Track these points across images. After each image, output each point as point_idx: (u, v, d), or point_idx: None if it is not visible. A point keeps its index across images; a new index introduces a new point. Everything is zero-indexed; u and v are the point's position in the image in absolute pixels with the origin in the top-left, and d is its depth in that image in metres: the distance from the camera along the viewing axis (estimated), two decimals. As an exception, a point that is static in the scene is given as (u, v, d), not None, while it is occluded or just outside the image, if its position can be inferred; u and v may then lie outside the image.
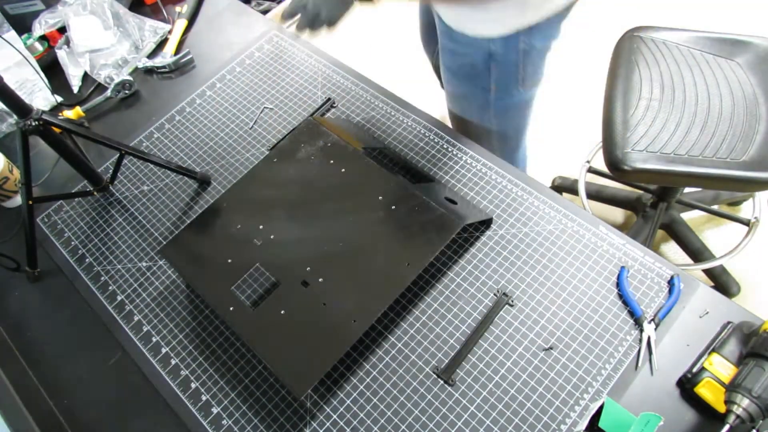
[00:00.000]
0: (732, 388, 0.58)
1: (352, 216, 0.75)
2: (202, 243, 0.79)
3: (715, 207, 1.59)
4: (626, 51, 1.26)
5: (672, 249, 1.63)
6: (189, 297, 0.81)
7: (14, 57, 1.02)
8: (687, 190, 1.58)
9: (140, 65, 1.10)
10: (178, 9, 1.18)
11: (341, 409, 0.69)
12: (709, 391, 0.62)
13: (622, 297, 0.71)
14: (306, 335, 0.68)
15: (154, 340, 0.78)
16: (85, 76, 1.12)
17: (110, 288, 0.84)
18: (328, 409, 0.69)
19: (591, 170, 1.65)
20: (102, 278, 0.85)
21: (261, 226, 0.77)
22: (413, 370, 0.70)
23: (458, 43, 0.88)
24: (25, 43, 1.11)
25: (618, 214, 1.73)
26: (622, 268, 0.73)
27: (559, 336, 0.70)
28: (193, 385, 0.74)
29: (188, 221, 0.85)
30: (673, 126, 1.15)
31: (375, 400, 0.69)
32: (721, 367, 0.62)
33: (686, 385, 0.64)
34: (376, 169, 0.78)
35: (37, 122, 0.77)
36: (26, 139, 0.79)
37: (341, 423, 0.68)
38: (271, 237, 0.76)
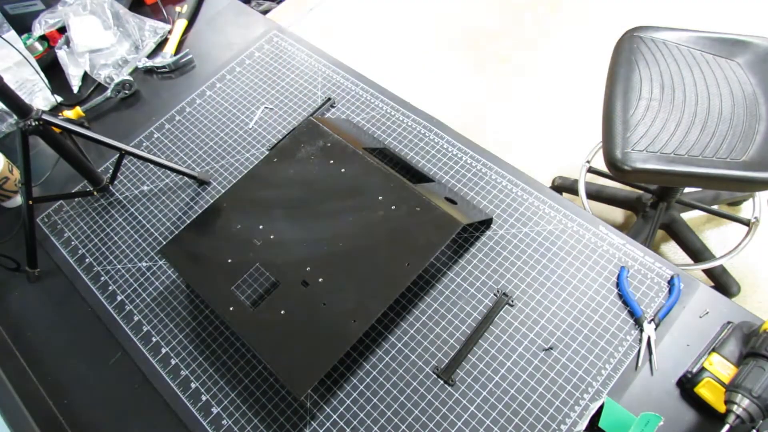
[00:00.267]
0: (732, 388, 0.58)
1: (352, 216, 0.75)
2: (202, 243, 0.79)
3: (715, 207, 1.59)
4: (626, 51, 1.26)
5: (672, 249, 1.63)
6: (189, 297, 0.81)
7: (14, 57, 1.02)
8: (687, 190, 1.58)
9: (140, 65, 1.10)
10: (178, 9, 1.18)
11: (341, 409, 0.69)
12: (709, 391, 0.62)
13: (622, 297, 0.71)
14: (306, 335, 0.68)
15: (154, 340, 0.78)
16: (85, 76, 1.12)
17: (110, 288, 0.84)
18: (328, 409, 0.69)
19: (591, 170, 1.65)
20: (102, 278, 0.85)
21: (261, 226, 0.77)
22: (413, 370, 0.70)
23: None
24: (25, 43, 1.11)
25: (618, 214, 1.73)
26: (622, 268, 0.73)
27: (559, 336, 0.70)
28: (193, 385, 0.74)
29: (188, 221, 0.85)
30: (673, 126, 1.15)
31: (375, 400, 0.69)
32: (721, 367, 0.62)
33: (686, 385, 0.64)
34: (376, 169, 0.78)
35: (37, 122, 0.77)
36: (26, 139, 0.79)
37: (341, 423, 0.68)
38: (271, 237, 0.76)
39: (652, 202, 1.52)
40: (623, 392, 0.65)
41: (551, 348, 0.69)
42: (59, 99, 1.07)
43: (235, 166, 0.93)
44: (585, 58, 1.83)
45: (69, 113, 1.03)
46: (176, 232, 0.86)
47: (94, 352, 0.80)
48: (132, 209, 0.92)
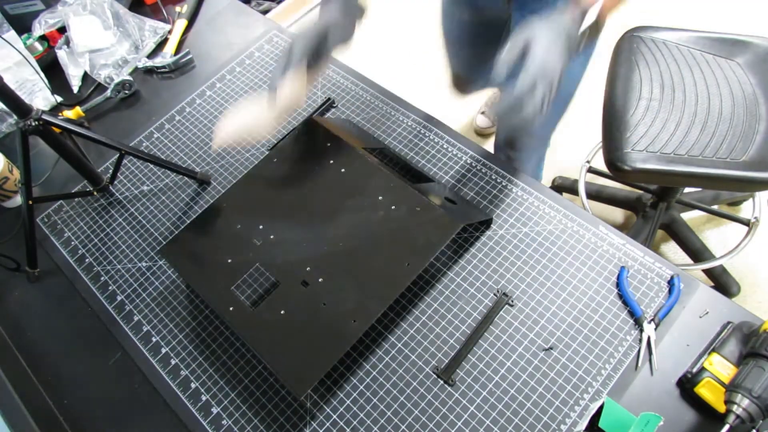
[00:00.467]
0: (732, 388, 0.58)
1: (352, 216, 0.75)
2: (202, 243, 0.79)
3: (715, 207, 1.59)
4: (626, 51, 1.26)
5: (672, 249, 1.63)
6: (189, 297, 0.81)
7: (14, 57, 1.02)
8: (687, 190, 1.58)
9: (140, 65, 1.10)
10: (178, 9, 1.18)
11: (341, 409, 0.69)
12: (709, 391, 0.62)
13: (622, 297, 0.71)
14: (306, 335, 0.68)
15: (154, 340, 0.78)
16: (85, 76, 1.12)
17: (110, 288, 0.84)
18: (328, 409, 0.69)
19: (591, 170, 1.65)
20: (102, 278, 0.85)
21: (261, 226, 0.77)
22: (413, 370, 0.70)
23: None
24: (25, 43, 1.11)
25: (618, 214, 1.73)
26: (622, 268, 0.73)
27: (559, 336, 0.70)
28: (193, 385, 0.74)
29: (188, 221, 0.85)
30: (673, 126, 1.15)
31: (375, 400, 0.69)
32: (721, 367, 0.62)
33: (686, 385, 0.64)
34: (376, 169, 0.78)
35: (37, 122, 0.77)
36: (26, 139, 0.79)
37: (341, 423, 0.68)
38: (271, 237, 0.76)
39: (652, 202, 1.52)
40: (623, 392, 0.65)
41: (551, 348, 0.69)
42: (59, 99, 1.07)
43: (235, 166, 0.93)
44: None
45: (69, 113, 1.03)
46: (176, 232, 0.86)
47: (94, 352, 0.80)
48: (132, 209, 0.92)
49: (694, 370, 0.64)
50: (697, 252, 1.51)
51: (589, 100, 1.84)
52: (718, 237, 1.63)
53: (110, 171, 0.92)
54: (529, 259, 0.76)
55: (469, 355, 0.70)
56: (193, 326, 0.78)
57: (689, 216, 1.63)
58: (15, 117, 0.77)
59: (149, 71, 1.10)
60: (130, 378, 0.76)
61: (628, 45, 1.26)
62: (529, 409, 0.66)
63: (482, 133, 1.81)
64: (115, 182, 0.94)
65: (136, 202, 0.92)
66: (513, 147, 1.12)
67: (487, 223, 0.80)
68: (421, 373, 0.70)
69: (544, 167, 1.42)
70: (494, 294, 0.74)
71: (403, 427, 0.67)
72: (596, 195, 1.65)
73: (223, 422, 0.70)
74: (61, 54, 1.11)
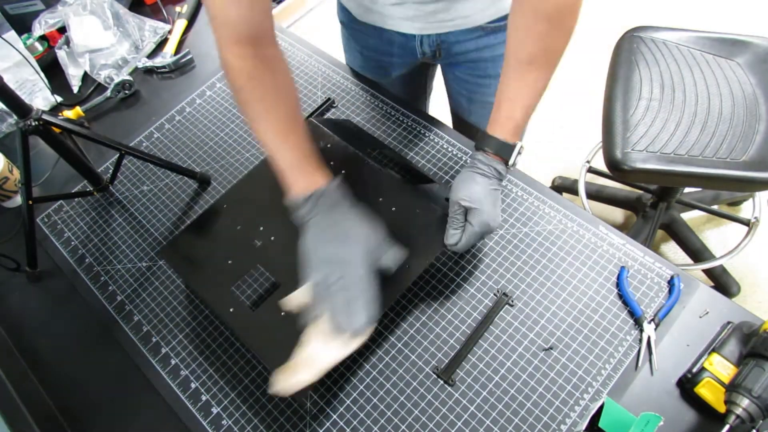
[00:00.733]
0: (732, 388, 0.58)
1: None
2: (202, 244, 0.79)
3: (715, 207, 1.59)
4: (626, 51, 1.26)
5: (672, 249, 1.63)
6: (189, 297, 0.81)
7: (14, 57, 1.02)
8: (687, 190, 1.58)
9: (140, 65, 1.10)
10: (178, 9, 1.18)
11: (341, 409, 0.69)
12: (709, 391, 0.62)
13: (622, 297, 0.71)
14: None
15: (154, 340, 0.78)
16: (85, 76, 1.12)
17: (110, 288, 0.84)
18: (328, 409, 0.69)
19: (591, 170, 1.65)
20: (102, 278, 0.85)
21: (261, 228, 0.77)
22: (413, 370, 0.70)
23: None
24: (25, 43, 1.11)
25: (618, 214, 1.73)
26: (622, 268, 0.73)
27: (559, 336, 0.70)
28: (193, 385, 0.74)
29: (188, 221, 0.85)
30: (673, 126, 1.15)
31: (375, 400, 0.69)
32: (721, 367, 0.62)
33: (686, 385, 0.64)
34: (376, 170, 0.78)
35: (37, 122, 0.77)
36: (26, 139, 0.79)
37: (341, 423, 0.68)
38: (272, 238, 0.76)
39: (652, 202, 1.53)
40: (623, 392, 0.65)
41: (551, 348, 0.69)
42: (59, 99, 1.07)
43: (235, 166, 0.93)
44: (585, 58, 1.83)
45: (69, 113, 1.03)
46: (176, 233, 0.85)
47: (94, 352, 0.80)
48: (132, 209, 0.92)
49: (694, 370, 0.64)
50: (697, 252, 1.51)
51: (589, 100, 1.84)
52: (718, 237, 1.63)
53: (110, 171, 0.92)
54: (529, 259, 0.76)
55: (469, 355, 0.70)
56: (193, 326, 0.78)
57: (689, 216, 1.63)
58: (15, 117, 0.77)
59: (149, 71, 1.10)
60: (130, 378, 0.76)
61: (628, 45, 1.26)
62: (529, 409, 0.66)
63: None
64: (115, 182, 0.94)
65: (136, 202, 0.92)
66: None
67: (487, 223, 0.80)
68: (421, 373, 0.70)
69: (544, 167, 1.43)
70: (494, 294, 0.74)
71: (403, 427, 0.67)
72: (596, 195, 1.65)
73: (223, 422, 0.70)
74: (61, 54, 1.11)
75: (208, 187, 0.92)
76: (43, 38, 1.14)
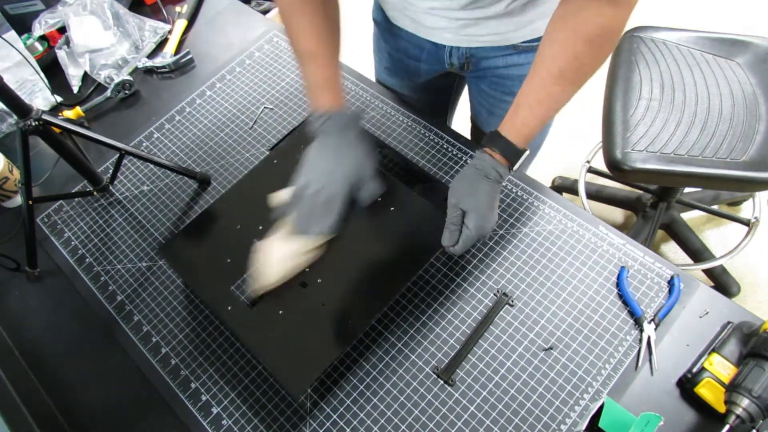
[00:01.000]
0: (732, 388, 0.58)
1: (351, 217, 0.75)
2: (201, 243, 0.79)
3: (715, 207, 1.59)
4: (626, 51, 1.26)
5: (672, 249, 1.63)
6: (189, 297, 0.81)
7: (14, 57, 1.02)
8: (687, 190, 1.58)
9: (140, 65, 1.10)
10: (178, 9, 1.18)
11: (341, 409, 0.69)
12: (709, 391, 0.62)
13: (622, 297, 0.71)
14: (304, 335, 0.68)
15: (154, 340, 0.78)
16: (85, 76, 1.12)
17: (110, 288, 0.84)
18: (328, 409, 0.69)
19: (591, 170, 1.65)
20: (102, 278, 0.85)
21: (260, 227, 0.77)
22: (413, 370, 0.70)
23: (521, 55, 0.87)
24: (25, 43, 1.11)
25: (618, 214, 1.73)
26: (622, 268, 0.73)
27: (559, 336, 0.70)
28: (193, 385, 0.74)
29: (188, 221, 0.85)
30: (673, 126, 1.15)
31: (375, 400, 0.69)
32: (721, 367, 0.62)
33: (686, 385, 0.64)
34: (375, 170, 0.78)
35: (37, 122, 0.77)
36: (26, 139, 0.79)
37: (341, 423, 0.68)
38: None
39: (652, 202, 1.53)
40: (623, 392, 0.65)
41: (551, 348, 0.69)
42: (59, 99, 1.07)
43: (235, 166, 0.93)
44: (585, 58, 1.82)
45: (69, 113, 1.03)
46: (175, 232, 0.85)
47: (94, 352, 0.80)
48: (132, 209, 0.92)
49: (694, 370, 0.64)
50: (697, 252, 1.51)
51: (589, 100, 1.84)
52: (718, 237, 1.63)
53: (110, 171, 0.92)
54: (529, 259, 0.76)
55: (469, 355, 0.70)
56: (193, 326, 0.78)
57: (689, 216, 1.63)
58: (15, 117, 0.77)
59: (149, 71, 1.10)
60: (130, 378, 0.76)
61: (628, 45, 1.26)
62: (529, 409, 0.66)
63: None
64: (115, 182, 0.94)
65: (136, 202, 0.92)
66: None
67: (487, 223, 0.80)
68: (421, 373, 0.70)
69: (544, 167, 1.43)
70: (494, 294, 0.74)
71: (403, 427, 0.67)
72: (596, 195, 1.65)
73: (223, 422, 0.70)
74: (61, 54, 1.11)
75: (208, 187, 0.92)
76: (43, 38, 1.14)
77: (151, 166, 0.95)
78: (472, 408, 0.67)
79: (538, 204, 0.81)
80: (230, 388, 0.73)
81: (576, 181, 1.65)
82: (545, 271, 0.75)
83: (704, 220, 1.67)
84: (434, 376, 0.69)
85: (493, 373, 0.69)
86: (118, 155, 0.87)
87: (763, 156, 1.09)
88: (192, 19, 1.18)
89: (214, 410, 0.71)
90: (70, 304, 0.84)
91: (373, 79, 1.01)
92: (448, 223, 0.68)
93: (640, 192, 1.59)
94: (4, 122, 1.06)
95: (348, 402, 0.69)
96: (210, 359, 0.75)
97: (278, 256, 0.70)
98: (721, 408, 0.59)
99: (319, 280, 0.71)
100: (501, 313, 0.72)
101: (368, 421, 0.68)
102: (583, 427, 0.62)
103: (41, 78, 0.99)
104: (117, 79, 1.05)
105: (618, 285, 0.72)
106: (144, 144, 0.99)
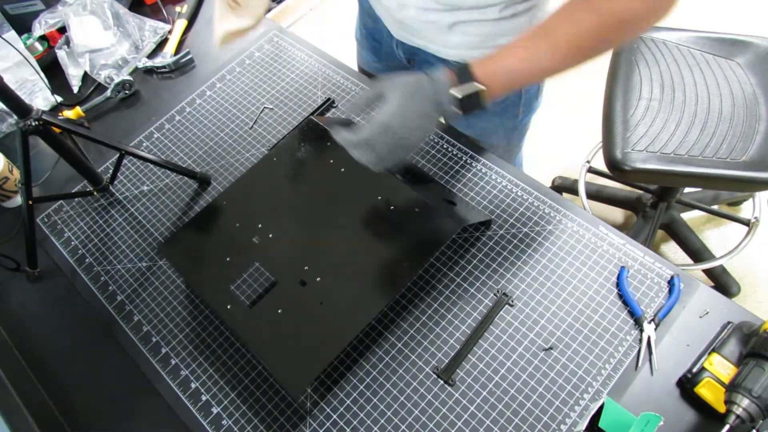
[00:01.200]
0: (732, 388, 0.58)
1: (351, 216, 0.75)
2: (201, 241, 0.79)
3: (715, 207, 1.59)
4: (626, 51, 1.26)
5: (672, 249, 1.63)
6: (189, 297, 0.81)
7: (14, 57, 1.02)
8: (687, 190, 1.58)
9: (140, 65, 1.10)
10: (178, 9, 1.18)
11: (341, 409, 0.69)
12: (709, 391, 0.62)
13: (622, 297, 0.71)
14: (303, 335, 0.68)
15: (154, 340, 0.78)
16: (85, 76, 1.12)
17: (110, 288, 0.84)
18: (328, 409, 0.69)
19: (591, 170, 1.65)
20: (102, 278, 0.85)
21: (260, 225, 0.77)
22: (413, 370, 0.70)
23: None
24: (25, 43, 1.11)
25: (618, 214, 1.73)
26: (622, 268, 0.73)
27: (559, 336, 0.70)
28: (193, 385, 0.74)
29: (188, 221, 0.85)
30: (673, 126, 1.15)
31: (375, 400, 0.69)
32: (721, 367, 0.62)
33: (686, 385, 0.64)
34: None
35: (37, 122, 0.77)
36: (26, 139, 0.79)
37: (341, 423, 0.68)
38: (270, 236, 0.76)
39: (652, 202, 1.53)
40: (623, 392, 0.65)
41: (551, 348, 0.69)
42: (59, 99, 1.07)
43: (235, 166, 0.93)
44: (585, 58, 1.83)
45: (69, 113, 1.03)
46: (174, 231, 0.85)
47: (94, 352, 0.80)
48: (132, 209, 0.92)
49: (694, 370, 0.64)
50: (697, 252, 1.52)
51: (589, 101, 1.84)
52: (718, 237, 1.63)
53: (110, 171, 0.92)
54: (529, 259, 0.76)
55: (469, 355, 0.70)
56: (193, 326, 0.78)
57: (689, 216, 1.63)
58: (15, 117, 0.77)
59: (149, 71, 1.10)
60: (130, 378, 0.76)
61: (628, 45, 1.26)
62: (529, 409, 0.66)
63: None
64: (115, 182, 0.94)
65: (136, 202, 0.92)
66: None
67: (486, 224, 0.80)
68: (421, 373, 0.70)
69: (544, 167, 1.42)
70: (494, 294, 0.74)
71: (403, 427, 0.67)
72: (596, 195, 1.65)
73: (223, 422, 0.70)
74: (61, 54, 1.11)
75: (208, 187, 0.92)
76: (43, 38, 1.14)
77: (151, 166, 0.95)
78: (472, 408, 0.67)
79: (538, 204, 0.81)
80: (230, 388, 0.73)
81: (576, 181, 1.65)
82: (545, 271, 0.75)
83: (704, 220, 1.67)
84: (434, 376, 0.69)
85: (493, 373, 0.69)
86: (118, 155, 0.87)
87: (763, 156, 1.09)
88: (192, 19, 1.18)
89: (214, 410, 0.71)
90: (70, 304, 0.84)
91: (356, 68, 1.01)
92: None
93: (640, 192, 1.59)
94: (4, 122, 1.06)
95: (348, 402, 0.69)
96: (210, 359, 0.75)
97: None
98: (721, 408, 0.59)
99: (318, 279, 0.71)
100: (501, 313, 0.72)
101: (368, 421, 0.68)
102: (583, 427, 0.62)
103: (41, 78, 0.99)
104: (117, 79, 1.05)
105: (618, 285, 0.72)
106: (144, 144, 0.99)
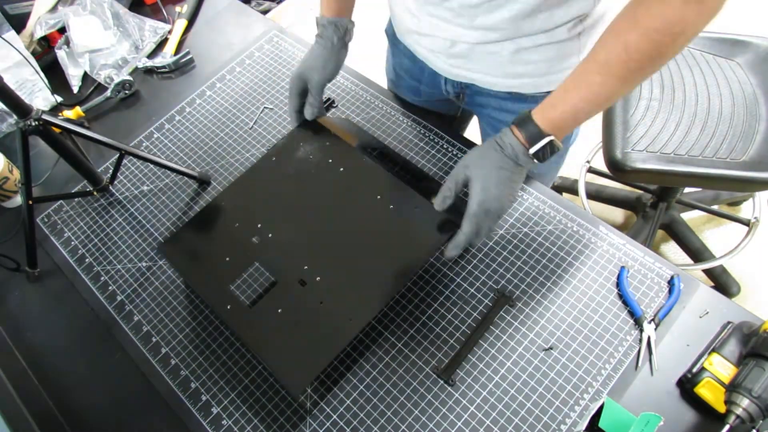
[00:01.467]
0: (732, 388, 0.58)
1: (351, 215, 0.75)
2: (201, 241, 0.79)
3: (715, 207, 1.59)
4: (626, 51, 1.25)
5: (672, 249, 1.63)
6: (189, 297, 0.81)
7: (14, 57, 1.02)
8: (687, 190, 1.58)
9: (140, 65, 1.10)
10: (178, 9, 1.18)
11: (341, 409, 0.69)
12: (709, 391, 0.62)
13: (622, 297, 0.71)
14: (303, 334, 0.68)
15: (154, 340, 0.78)
16: (85, 76, 1.12)
17: (110, 288, 0.84)
18: (328, 409, 0.69)
19: (591, 170, 1.65)
20: (102, 278, 0.85)
21: (259, 225, 0.77)
22: (413, 370, 0.70)
23: None
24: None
25: (618, 214, 1.73)
26: (622, 268, 0.73)
27: (559, 336, 0.70)
28: (193, 385, 0.74)
29: (188, 221, 0.85)
30: (673, 126, 1.15)
31: (375, 400, 0.69)
32: (721, 367, 0.62)
33: (686, 385, 0.64)
34: (374, 168, 0.78)
35: (37, 122, 0.77)
36: (26, 139, 0.79)
37: (341, 423, 0.68)
38: (270, 236, 0.76)
39: (652, 202, 1.53)
40: (623, 392, 0.65)
41: (551, 348, 0.69)
42: (59, 99, 1.07)
43: (235, 166, 0.93)
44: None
45: (69, 113, 1.03)
46: (174, 230, 0.85)
47: (94, 352, 0.80)
48: (132, 209, 0.92)
49: (694, 370, 0.64)
50: (697, 252, 1.51)
51: (589, 100, 1.83)
52: (718, 237, 1.63)
53: (110, 171, 0.92)
54: (529, 259, 0.76)
55: (469, 355, 0.70)
56: (193, 326, 0.78)
57: (689, 216, 1.63)
58: (15, 117, 0.77)
59: (149, 71, 1.10)
60: (130, 378, 0.76)
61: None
62: (529, 409, 0.66)
63: None
64: (115, 182, 0.94)
65: (136, 202, 0.92)
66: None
67: (487, 223, 0.80)
68: (421, 373, 0.70)
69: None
70: (494, 294, 0.74)
71: (403, 427, 0.67)
72: (596, 195, 1.65)
73: (223, 422, 0.70)
74: (61, 54, 1.11)
75: (208, 187, 0.92)
76: (43, 38, 1.13)
77: (151, 166, 0.95)
78: (472, 408, 0.67)
79: (538, 204, 0.81)
80: (230, 388, 0.73)
81: (576, 181, 1.65)
82: (545, 271, 0.75)
83: (704, 220, 1.67)
84: (434, 376, 0.69)
85: (493, 373, 0.69)
86: (118, 155, 0.87)
87: (763, 156, 1.09)
88: (192, 19, 1.18)
89: (214, 410, 0.71)
90: (70, 304, 0.84)
91: (372, 78, 1.01)
92: (442, 188, 0.65)
93: (640, 192, 1.59)
94: (4, 122, 1.06)
95: (348, 402, 0.69)
96: (210, 359, 0.75)
97: None
98: (721, 408, 0.59)
99: (317, 278, 0.71)
100: (501, 313, 0.72)
101: (368, 421, 0.68)
102: (583, 427, 0.62)
103: (41, 78, 0.99)
104: (117, 79, 1.05)
105: (618, 285, 0.72)
106: (144, 144, 0.99)
